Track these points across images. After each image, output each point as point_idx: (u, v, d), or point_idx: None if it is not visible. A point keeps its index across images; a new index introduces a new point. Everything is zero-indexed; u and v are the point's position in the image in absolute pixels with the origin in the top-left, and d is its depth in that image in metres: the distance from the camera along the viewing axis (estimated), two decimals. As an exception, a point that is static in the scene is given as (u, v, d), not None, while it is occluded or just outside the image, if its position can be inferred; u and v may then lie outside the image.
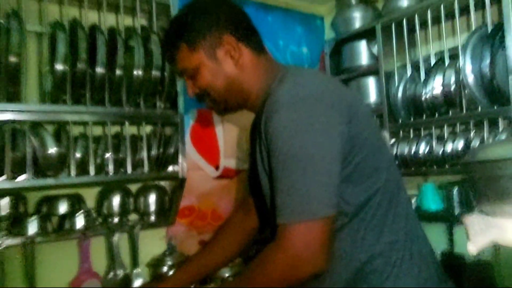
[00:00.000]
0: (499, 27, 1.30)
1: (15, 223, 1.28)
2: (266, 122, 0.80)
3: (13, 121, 1.20)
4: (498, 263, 1.49)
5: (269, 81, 0.88)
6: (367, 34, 1.75)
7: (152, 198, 1.47)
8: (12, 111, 1.20)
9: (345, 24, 1.83)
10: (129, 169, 1.36)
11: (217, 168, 1.67)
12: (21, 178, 1.21)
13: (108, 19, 1.41)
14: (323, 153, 0.75)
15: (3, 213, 1.25)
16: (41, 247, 1.29)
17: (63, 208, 1.33)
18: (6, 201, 1.25)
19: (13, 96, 1.22)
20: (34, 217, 1.28)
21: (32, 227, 1.27)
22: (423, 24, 1.55)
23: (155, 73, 1.38)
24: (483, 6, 1.39)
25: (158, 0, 1.44)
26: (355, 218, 0.80)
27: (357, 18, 1.79)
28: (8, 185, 1.18)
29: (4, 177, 1.17)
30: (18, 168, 1.20)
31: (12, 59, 1.17)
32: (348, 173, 0.78)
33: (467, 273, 1.55)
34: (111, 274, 1.39)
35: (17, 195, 1.28)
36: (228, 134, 1.69)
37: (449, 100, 1.45)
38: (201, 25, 0.90)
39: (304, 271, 0.74)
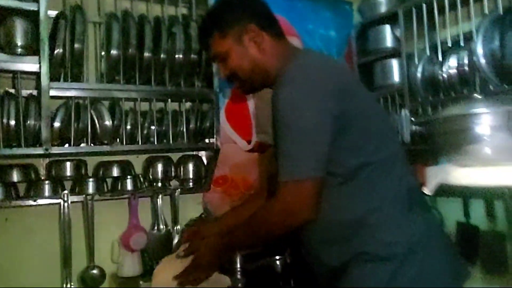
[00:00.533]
0: (509, 11, 1.38)
1: (77, 183, 1.53)
2: (273, 96, 0.99)
3: (77, 97, 1.44)
4: (510, 233, 1.59)
5: (286, 62, 1.04)
6: (391, 18, 1.85)
7: (190, 167, 1.67)
8: (76, 89, 1.43)
9: (370, 8, 1.94)
10: (171, 140, 1.57)
11: (249, 142, 1.84)
12: (83, 145, 1.45)
13: (154, 9, 1.61)
14: (313, 125, 0.93)
15: (68, 174, 1.50)
16: (98, 204, 1.51)
17: (116, 172, 1.56)
18: (70, 164, 1.51)
19: (77, 76, 1.46)
20: (92, 179, 1.52)
21: (91, 187, 1.52)
22: (441, 9, 1.63)
23: (194, 56, 1.56)
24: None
25: (197, -9, 1.63)
26: (349, 181, 0.97)
27: (382, 3, 1.89)
28: (72, 150, 1.43)
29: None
30: (80, 137, 1.44)
31: (76, 45, 1.39)
32: (340, 142, 0.95)
33: (482, 242, 1.65)
34: (155, 229, 1.61)
35: (79, 160, 1.52)
36: (259, 111, 1.86)
37: (463, 79, 1.55)
38: (231, 17, 1.10)
39: (294, 219, 0.95)
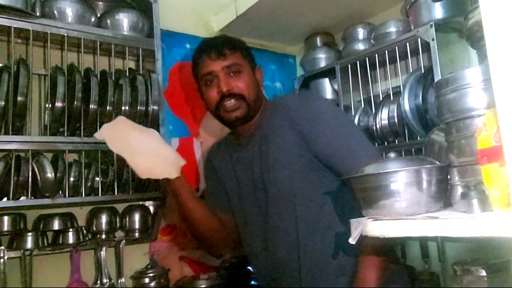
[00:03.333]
0: (430, 70, 1.55)
1: (15, 238, 1.47)
2: (301, 117, 1.16)
3: (17, 150, 1.42)
4: (444, 274, 1.68)
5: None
6: (329, 72, 1.99)
7: (136, 217, 1.65)
8: (17, 141, 1.41)
9: (311, 63, 2.08)
10: (116, 191, 1.56)
11: (197, 190, 1.88)
12: (22, 198, 1.42)
13: (102, 62, 1.65)
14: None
15: (6, 228, 1.45)
16: (37, 259, 1.47)
17: (57, 225, 1.52)
18: (7, 219, 1.46)
19: (19, 129, 1.45)
20: (31, 233, 1.47)
21: (30, 242, 1.47)
22: (373, 66, 1.80)
23: (141, 108, 1.60)
24: (417, 53, 1.64)
25: (144, 46, 1.69)
26: None
27: (322, 59, 2.04)
28: (11, 204, 1.39)
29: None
30: (20, 190, 1.41)
31: (20, 98, 1.39)
32: None
33: (417, 283, 1.73)
34: (98, 284, 1.56)
35: (18, 214, 1.47)
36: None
37: (394, 130, 1.68)
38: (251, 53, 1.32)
39: None
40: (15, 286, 1.44)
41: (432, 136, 1.05)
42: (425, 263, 1.71)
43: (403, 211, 0.84)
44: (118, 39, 1.63)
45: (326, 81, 2.03)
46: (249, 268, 1.70)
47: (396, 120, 1.66)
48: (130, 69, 1.68)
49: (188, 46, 1.95)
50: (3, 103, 1.37)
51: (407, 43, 1.62)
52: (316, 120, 1.15)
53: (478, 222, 0.70)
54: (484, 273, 1.06)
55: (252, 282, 1.71)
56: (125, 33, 1.66)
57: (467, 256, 1.31)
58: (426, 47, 1.55)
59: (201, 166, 1.89)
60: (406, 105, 1.59)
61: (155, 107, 1.63)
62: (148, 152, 1.20)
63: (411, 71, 1.64)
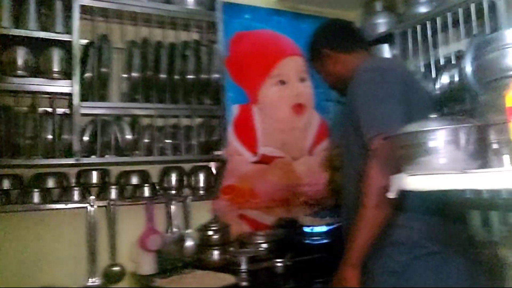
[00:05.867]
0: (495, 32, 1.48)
1: (102, 190, 1.73)
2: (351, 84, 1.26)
3: (102, 115, 1.65)
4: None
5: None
6: (389, 38, 1.96)
7: (201, 176, 1.84)
8: (102, 107, 1.64)
9: (370, 29, 2.05)
10: (183, 152, 1.75)
11: (255, 154, 2.01)
12: (107, 156, 1.65)
13: (169, 34, 1.81)
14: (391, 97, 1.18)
15: (94, 181, 1.71)
16: (119, 209, 1.72)
17: (135, 180, 1.75)
18: (95, 173, 1.71)
19: (102, 96, 1.67)
20: (115, 186, 1.72)
21: (114, 194, 1.72)
22: (434, 30, 1.74)
23: (204, 76, 1.75)
24: (482, 15, 1.56)
25: (207, 19, 1.82)
26: None
27: (381, 24, 2.01)
28: (98, 160, 1.63)
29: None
30: (105, 149, 1.65)
31: (103, 69, 1.61)
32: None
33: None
34: (169, 232, 1.79)
35: (103, 169, 1.73)
36: (265, 126, 2.02)
37: (455, 95, 1.64)
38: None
39: None
40: (102, 231, 1.70)
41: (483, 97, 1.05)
42: (487, 232, 1.68)
43: (441, 168, 0.88)
44: (183, 13, 1.78)
45: (386, 47, 2.00)
46: (303, 227, 1.80)
47: (456, 84, 1.62)
48: (194, 40, 1.82)
49: (247, 16, 2.04)
50: (90, 74, 1.59)
51: (472, 4, 1.55)
52: (350, 86, 1.27)
53: (508, 175, 0.72)
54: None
55: (306, 241, 1.82)
56: (190, 7, 1.80)
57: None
58: (492, 8, 1.48)
59: (259, 131, 2.01)
60: (468, 69, 1.54)
61: (217, 75, 1.77)
62: None
63: (474, 34, 1.57)
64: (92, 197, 1.67)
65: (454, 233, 1.28)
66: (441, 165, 0.88)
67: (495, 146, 0.83)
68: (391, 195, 0.93)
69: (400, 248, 1.17)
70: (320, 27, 1.50)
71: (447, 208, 1.22)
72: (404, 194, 0.98)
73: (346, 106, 1.34)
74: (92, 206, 1.66)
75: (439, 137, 0.88)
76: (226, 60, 1.89)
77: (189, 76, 1.72)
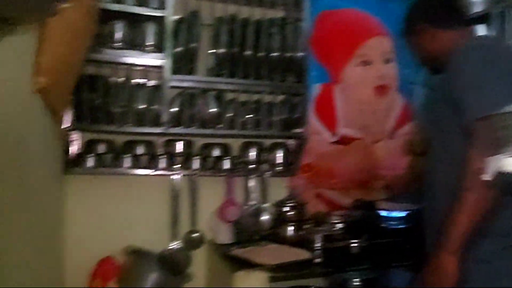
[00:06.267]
0: None
1: (186, 159, 1.82)
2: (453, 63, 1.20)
3: (190, 87, 1.73)
4: None
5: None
6: (486, 18, 1.83)
7: (280, 153, 1.86)
8: (190, 81, 1.72)
9: (465, 8, 1.92)
10: (264, 128, 1.78)
11: (334, 134, 1.99)
12: (192, 128, 1.73)
13: (256, 12, 1.84)
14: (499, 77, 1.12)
15: (180, 151, 1.80)
16: (201, 179, 1.80)
17: (217, 152, 1.82)
18: (181, 143, 1.80)
19: (191, 70, 1.75)
20: (198, 157, 1.80)
21: (196, 164, 1.80)
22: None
23: (288, 54, 1.76)
24: None
25: (293, -4, 1.82)
26: None
27: (477, 3, 1.87)
28: (184, 131, 1.71)
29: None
30: (191, 121, 1.72)
31: (193, 45, 1.68)
32: None
33: None
34: (247, 205, 1.84)
35: (188, 140, 1.81)
36: (346, 107, 1.99)
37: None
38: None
39: None
40: (184, 199, 1.79)
41: None
42: None
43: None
44: (270, -10, 1.79)
45: (481, 27, 1.87)
46: (380, 210, 1.77)
47: None
48: (280, 18, 1.83)
49: (332, -5, 2.00)
50: (181, 48, 1.66)
51: None
52: (452, 65, 1.21)
53: None
54: None
55: (382, 225, 1.78)
56: (277, -15, 1.81)
57: None
58: None
59: (340, 111, 1.99)
60: None
61: (301, 54, 1.77)
62: None
63: None
64: (178, 166, 1.76)
65: None
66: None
67: None
68: (487, 177, 0.88)
69: (490, 238, 1.12)
70: (419, 0, 1.44)
71: None
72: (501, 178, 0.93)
73: (441, 87, 1.28)
74: (176, 174, 1.75)
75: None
76: (310, 39, 1.88)
77: (273, 54, 1.74)
